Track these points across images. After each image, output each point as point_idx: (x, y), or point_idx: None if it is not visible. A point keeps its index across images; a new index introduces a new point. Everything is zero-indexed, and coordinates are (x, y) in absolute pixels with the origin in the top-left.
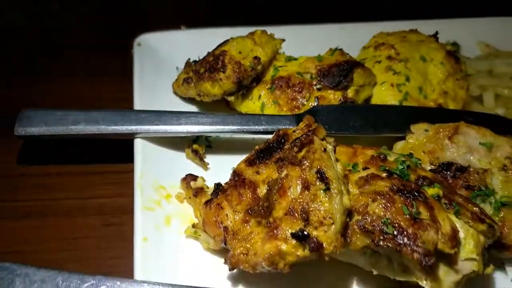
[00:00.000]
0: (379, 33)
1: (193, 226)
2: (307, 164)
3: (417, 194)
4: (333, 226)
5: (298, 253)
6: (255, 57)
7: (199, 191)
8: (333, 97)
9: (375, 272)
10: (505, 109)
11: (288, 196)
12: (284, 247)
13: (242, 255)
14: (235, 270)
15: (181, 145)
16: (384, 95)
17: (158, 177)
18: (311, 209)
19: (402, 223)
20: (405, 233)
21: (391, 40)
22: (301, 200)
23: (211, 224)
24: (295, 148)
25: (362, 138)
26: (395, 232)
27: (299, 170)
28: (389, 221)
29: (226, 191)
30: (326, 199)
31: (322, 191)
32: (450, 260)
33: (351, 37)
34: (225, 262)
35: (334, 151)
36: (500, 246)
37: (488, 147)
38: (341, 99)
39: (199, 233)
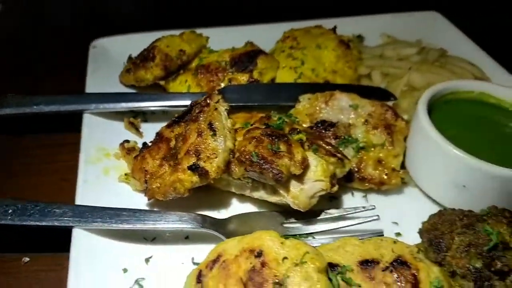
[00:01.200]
0: (290, 29)
1: (126, 174)
2: (201, 118)
3: (281, 137)
4: (217, 159)
5: (191, 180)
6: (181, 50)
7: (131, 150)
8: (241, 78)
9: (255, 196)
10: (386, 83)
11: (188, 142)
12: (182, 176)
13: (156, 188)
14: (152, 200)
15: (122, 119)
16: (284, 76)
17: (101, 142)
18: (202, 148)
19: (265, 154)
20: (265, 160)
21: (296, 34)
22: (196, 143)
23: (137, 171)
24: (196, 110)
25: (265, 108)
26: (259, 160)
27: (196, 124)
28: (256, 153)
29: (149, 147)
30: (213, 141)
31: (210, 136)
32: (303, 181)
33: (272, 34)
34: (145, 195)
35: (228, 113)
36: (361, 178)
37: (355, 108)
38: (248, 80)
39: (130, 179)
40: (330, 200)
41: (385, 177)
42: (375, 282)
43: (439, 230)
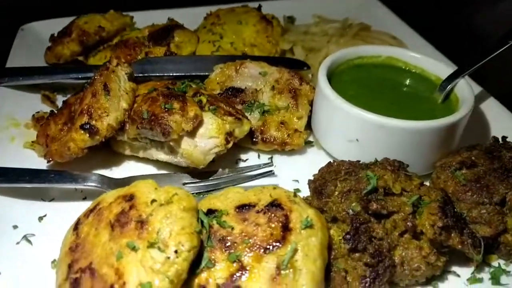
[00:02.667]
0: (218, 9)
1: (32, 142)
2: (98, 80)
3: (177, 97)
4: (108, 118)
5: (83, 138)
6: (100, 26)
7: (40, 119)
8: (159, 51)
9: (155, 157)
10: (305, 57)
11: (83, 103)
12: (74, 135)
13: (54, 150)
14: (51, 162)
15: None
16: (203, 49)
17: (12, 113)
18: (94, 108)
19: (155, 111)
20: (155, 116)
21: (220, 12)
22: (89, 103)
23: (40, 136)
24: (97, 75)
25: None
26: (149, 117)
27: (93, 86)
28: (147, 111)
29: (54, 114)
30: (106, 101)
31: (103, 96)
32: (197, 139)
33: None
34: (45, 158)
35: (130, 77)
36: (264, 140)
37: (264, 75)
38: (165, 53)
39: (35, 145)
40: (237, 162)
41: (288, 138)
42: (247, 223)
43: (324, 179)
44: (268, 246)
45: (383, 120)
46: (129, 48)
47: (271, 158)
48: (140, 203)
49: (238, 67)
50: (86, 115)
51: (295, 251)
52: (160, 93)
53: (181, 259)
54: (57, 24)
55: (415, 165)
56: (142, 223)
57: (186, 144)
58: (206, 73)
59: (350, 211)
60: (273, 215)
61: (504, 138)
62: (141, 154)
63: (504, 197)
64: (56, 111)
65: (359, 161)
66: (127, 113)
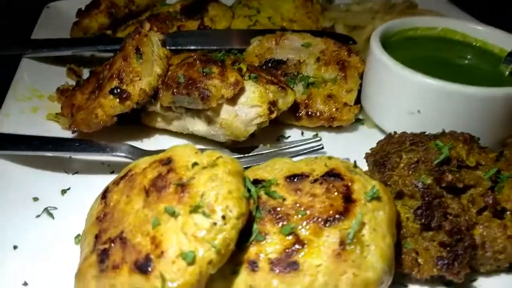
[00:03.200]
0: None
1: (56, 114)
2: (129, 43)
3: (215, 61)
4: (140, 82)
5: (112, 104)
6: None
7: (64, 91)
8: (191, 25)
9: (190, 130)
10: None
11: (113, 68)
12: (103, 101)
13: (80, 119)
14: (76, 133)
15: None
16: (238, 24)
17: (36, 84)
18: (125, 72)
19: (193, 76)
20: (192, 80)
21: None
22: (120, 68)
23: (65, 107)
24: (129, 39)
25: None
26: (186, 81)
27: (123, 50)
28: (183, 75)
29: (81, 84)
30: (138, 64)
31: (135, 60)
32: (238, 107)
33: None
34: (69, 128)
35: (163, 44)
36: (309, 114)
37: (307, 46)
38: (199, 27)
39: (59, 117)
40: (278, 140)
41: (336, 112)
42: (301, 194)
43: (386, 151)
44: (329, 218)
45: (450, 87)
46: (160, 22)
47: (317, 135)
48: (179, 166)
49: (278, 39)
50: (116, 79)
51: (362, 224)
52: (198, 58)
53: (229, 226)
54: (83, 3)
55: (483, 140)
56: (183, 186)
57: (225, 113)
58: (243, 47)
59: (420, 184)
60: (331, 185)
61: None
62: (174, 126)
63: None
64: (82, 82)
65: (424, 132)
66: (160, 79)
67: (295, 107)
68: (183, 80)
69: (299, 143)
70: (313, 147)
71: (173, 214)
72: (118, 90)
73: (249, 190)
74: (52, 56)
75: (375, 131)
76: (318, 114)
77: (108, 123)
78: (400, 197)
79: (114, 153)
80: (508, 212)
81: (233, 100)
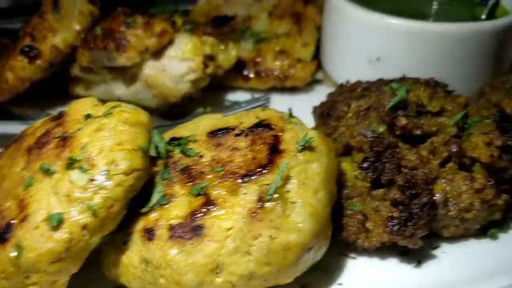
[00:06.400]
0: None
1: None
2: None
3: (143, 13)
4: (53, 38)
5: (22, 65)
6: None
7: None
8: None
9: (115, 93)
10: None
11: (28, 27)
12: (12, 62)
13: None
14: None
15: None
16: None
17: None
18: (38, 29)
19: (112, 27)
20: (110, 31)
21: None
22: (34, 24)
23: None
24: None
25: None
26: (103, 34)
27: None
28: (101, 29)
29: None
30: (54, 21)
31: (51, 15)
32: (166, 61)
33: None
34: None
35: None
36: (259, 74)
37: (259, 0)
38: None
39: None
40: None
41: (289, 69)
42: (222, 149)
43: (334, 102)
44: (248, 173)
45: (413, 25)
46: None
47: (268, 99)
48: (70, 120)
49: None
50: (29, 37)
51: (287, 178)
52: (123, 10)
53: (113, 183)
54: None
55: (457, 88)
56: (65, 140)
57: (151, 68)
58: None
59: (369, 133)
60: (258, 136)
61: None
62: (99, 92)
63: None
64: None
65: (382, 79)
66: (79, 36)
67: (242, 67)
68: (100, 32)
69: (243, 105)
70: (259, 105)
71: (48, 172)
72: (28, 49)
73: (157, 148)
74: None
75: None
76: (268, 73)
77: (20, 88)
78: (349, 153)
79: (27, 122)
80: (475, 165)
81: (160, 53)
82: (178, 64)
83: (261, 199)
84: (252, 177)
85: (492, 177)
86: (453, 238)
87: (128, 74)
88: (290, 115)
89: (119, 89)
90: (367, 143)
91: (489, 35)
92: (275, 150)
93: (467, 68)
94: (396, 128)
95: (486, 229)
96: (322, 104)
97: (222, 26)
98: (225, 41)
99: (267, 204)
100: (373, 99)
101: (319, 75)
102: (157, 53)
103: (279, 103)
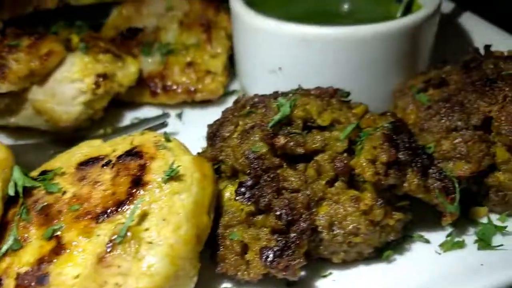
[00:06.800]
0: None
1: None
2: None
3: (31, 34)
4: None
5: None
6: None
7: None
8: (51, 2)
9: (11, 122)
10: None
11: None
12: None
13: None
14: None
15: None
16: None
17: None
18: None
19: None
20: None
21: None
22: None
23: None
24: None
25: None
26: None
27: None
28: None
29: None
30: None
31: None
32: (56, 85)
33: None
34: None
35: None
36: (166, 88)
37: (170, 9)
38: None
39: None
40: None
41: (198, 82)
42: (85, 183)
43: (224, 119)
44: (104, 211)
45: (308, 30)
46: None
47: (181, 114)
48: None
49: (137, 5)
50: None
51: (144, 214)
52: (12, 31)
53: None
54: None
55: (366, 94)
56: None
57: (39, 93)
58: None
59: (252, 154)
60: (124, 167)
61: (487, 47)
62: None
63: (488, 117)
64: None
65: (277, 92)
66: None
67: (149, 81)
68: None
69: (141, 124)
70: (156, 125)
71: None
72: None
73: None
74: None
75: None
76: (175, 87)
77: None
78: (235, 175)
79: None
80: (363, 181)
81: (47, 77)
82: (67, 86)
83: (111, 241)
84: (109, 216)
85: (383, 195)
86: (346, 264)
87: (20, 100)
88: (167, 139)
89: (13, 115)
90: (249, 164)
91: (399, 34)
92: (137, 182)
93: (376, 73)
94: (276, 147)
95: (382, 251)
96: (213, 123)
97: (130, 39)
98: (122, 57)
99: (117, 247)
100: (259, 116)
101: (237, 86)
102: (47, 76)
103: (191, 118)
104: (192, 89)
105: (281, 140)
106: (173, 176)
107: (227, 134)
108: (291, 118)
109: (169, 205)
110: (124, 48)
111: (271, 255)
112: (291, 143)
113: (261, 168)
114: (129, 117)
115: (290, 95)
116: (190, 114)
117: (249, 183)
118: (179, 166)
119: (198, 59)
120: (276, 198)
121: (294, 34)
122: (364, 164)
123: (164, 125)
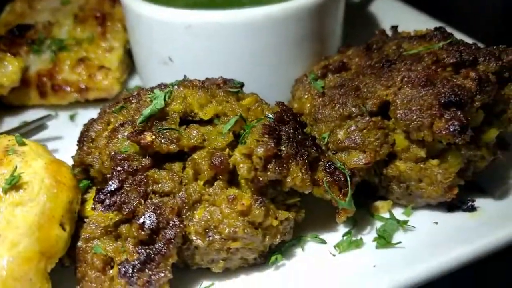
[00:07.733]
0: None
1: None
2: None
3: None
4: None
5: None
6: None
7: None
8: None
9: None
10: None
11: None
12: None
13: None
14: None
15: None
16: None
17: None
18: None
19: None
20: None
21: None
22: None
23: None
24: None
25: None
26: None
27: None
28: None
29: None
30: None
31: None
32: None
33: None
34: None
35: None
36: (55, 88)
37: (65, 4)
38: None
39: None
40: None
41: (89, 80)
42: None
43: (97, 118)
44: None
45: (193, 16)
46: None
47: (74, 116)
48: None
49: (32, 0)
50: None
51: None
52: None
53: None
54: None
55: (267, 85)
56: None
57: None
58: None
59: (119, 156)
60: None
61: (394, 28)
62: None
63: (385, 101)
64: None
65: (162, 84)
66: None
67: (38, 81)
68: None
69: (20, 128)
70: (37, 127)
71: None
72: None
73: None
74: None
75: None
76: (65, 86)
77: None
78: (106, 180)
79: None
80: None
81: None
82: None
83: None
84: None
85: (266, 192)
86: (230, 272)
87: None
88: (20, 143)
89: None
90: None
91: (295, 16)
92: None
93: (273, 62)
94: (143, 147)
95: (269, 255)
96: (87, 122)
97: (19, 37)
98: (1, 56)
99: None
100: (131, 112)
101: (139, 81)
102: None
103: (86, 119)
104: (83, 86)
105: (147, 138)
106: (16, 184)
107: (94, 134)
108: (166, 112)
109: (7, 219)
110: (14, 46)
111: (129, 270)
112: (161, 140)
113: (126, 171)
114: (17, 122)
115: (170, 87)
116: (85, 115)
117: (110, 188)
118: (22, 172)
119: (92, 54)
120: (142, 205)
121: (178, 20)
122: (239, 159)
123: (43, 127)
